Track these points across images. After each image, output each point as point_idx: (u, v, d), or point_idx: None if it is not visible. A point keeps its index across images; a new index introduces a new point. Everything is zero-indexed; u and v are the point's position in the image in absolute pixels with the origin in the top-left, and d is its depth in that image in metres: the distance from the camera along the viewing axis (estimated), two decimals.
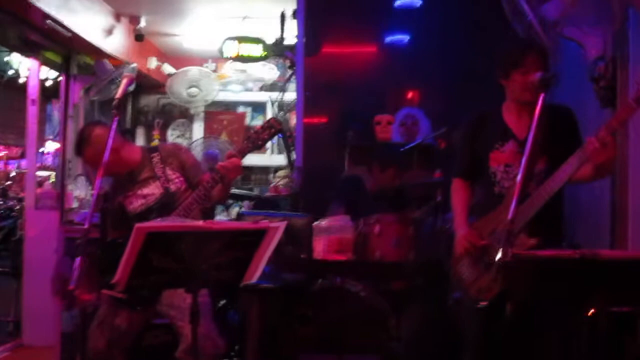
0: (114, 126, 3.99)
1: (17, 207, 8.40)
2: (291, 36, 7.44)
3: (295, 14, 7.22)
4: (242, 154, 4.18)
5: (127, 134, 8.81)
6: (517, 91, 3.84)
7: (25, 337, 7.24)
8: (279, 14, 7.47)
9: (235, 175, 4.23)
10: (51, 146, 10.68)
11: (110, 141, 3.89)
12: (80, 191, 7.75)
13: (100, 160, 3.86)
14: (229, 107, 9.94)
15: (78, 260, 3.46)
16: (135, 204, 4.50)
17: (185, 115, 9.89)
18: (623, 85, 4.69)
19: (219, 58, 8.76)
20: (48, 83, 8.93)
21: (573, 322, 3.54)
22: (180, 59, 9.65)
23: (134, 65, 8.04)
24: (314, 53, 7.08)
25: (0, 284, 7.80)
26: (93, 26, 7.25)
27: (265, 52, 7.91)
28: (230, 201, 7.60)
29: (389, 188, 6.09)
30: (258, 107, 9.92)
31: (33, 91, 7.55)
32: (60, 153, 7.88)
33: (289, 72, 7.89)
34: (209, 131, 9.70)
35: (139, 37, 8.08)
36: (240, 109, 9.99)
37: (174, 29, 8.68)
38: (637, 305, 3.39)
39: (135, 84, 8.11)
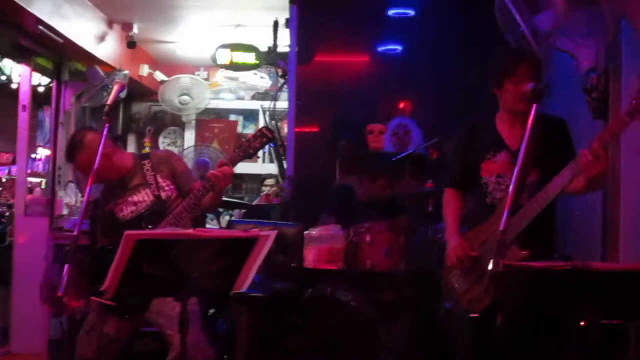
0: (105, 132, 3.97)
1: (7, 213, 8.35)
2: (284, 45, 7.43)
3: (288, 23, 7.21)
4: (234, 162, 4.17)
5: (119, 141, 8.78)
6: (509, 101, 3.84)
7: (13, 344, 7.20)
8: (271, 23, 7.46)
9: (226, 183, 4.21)
10: (43, 152, 10.64)
11: (101, 147, 3.88)
12: (70, 198, 7.72)
13: (92, 166, 3.85)
14: (220, 115, 9.94)
15: (67, 267, 3.44)
16: (126, 211, 4.48)
17: (176, 123, 9.88)
18: (616, 96, 4.69)
19: (211, 66, 8.75)
20: (40, 89, 8.90)
21: (564, 334, 3.53)
22: (172, 67, 9.64)
23: (126, 72, 8.02)
24: (307, 62, 7.08)
25: None
26: (85, 32, 7.23)
27: (258, 61, 7.91)
28: (221, 209, 7.58)
29: (380, 197, 6.07)
30: (250, 116, 9.92)
31: (24, 97, 7.53)
32: (51, 159, 7.86)
33: (281, 80, 7.88)
34: (200, 139, 9.69)
35: (131, 44, 8.07)
36: (232, 117, 9.99)
37: (166, 37, 8.68)
38: (628, 318, 3.39)
39: (126, 91, 8.09)
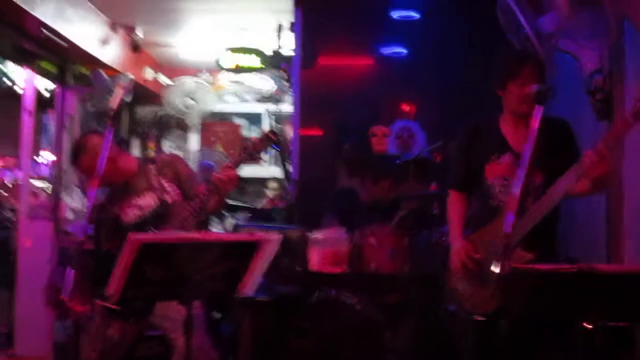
0: (110, 136, 3.97)
1: (12, 217, 8.36)
2: (288, 48, 7.43)
3: (292, 26, 7.21)
4: (238, 165, 4.17)
5: (123, 144, 8.79)
6: (513, 103, 3.83)
7: (17, 347, 7.19)
8: (275, 26, 7.47)
9: (230, 186, 4.20)
10: (47, 156, 10.65)
11: (105, 150, 3.88)
12: (74, 202, 7.72)
13: (96, 170, 3.85)
14: (225, 118, 9.94)
15: (71, 271, 3.44)
16: (131, 215, 4.47)
17: (181, 126, 9.88)
18: (619, 98, 4.68)
19: (215, 69, 8.76)
20: (44, 93, 8.90)
21: (570, 336, 3.52)
22: (176, 70, 9.65)
23: (130, 75, 8.02)
24: (311, 65, 7.08)
25: None
26: (89, 36, 7.24)
27: (263, 64, 7.91)
28: (226, 213, 7.58)
29: (383, 200, 6.07)
30: (254, 119, 9.92)
31: (28, 101, 7.53)
32: (55, 163, 7.86)
33: (285, 83, 7.88)
34: (204, 142, 9.70)
35: (135, 47, 8.07)
36: (236, 121, 9.99)
37: (170, 40, 8.69)
38: (634, 320, 3.37)
39: (131, 95, 8.09)
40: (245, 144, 4.32)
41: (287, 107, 8.13)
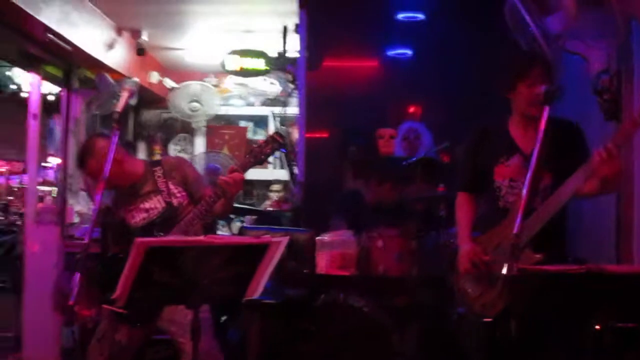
0: (115, 139, 3.97)
1: (19, 222, 8.36)
2: (293, 50, 7.42)
3: (297, 28, 7.20)
4: (245, 168, 4.15)
5: (129, 147, 8.79)
6: (523, 104, 3.82)
7: (25, 352, 7.18)
8: (280, 28, 7.45)
9: (237, 189, 4.19)
10: (53, 161, 10.67)
11: (111, 153, 3.88)
12: (81, 206, 7.72)
13: (103, 173, 3.85)
14: (230, 121, 9.92)
15: (78, 275, 3.43)
16: (137, 218, 4.47)
17: (186, 129, 9.87)
18: (628, 97, 4.67)
19: (221, 72, 8.75)
20: (50, 98, 8.91)
21: (578, 338, 3.50)
22: (181, 73, 9.64)
23: (136, 79, 8.02)
24: (316, 67, 7.07)
25: (0, 298, 7.75)
26: (94, 40, 7.24)
27: (268, 67, 7.90)
28: (232, 216, 7.57)
29: (389, 202, 6.06)
30: (260, 122, 9.90)
31: (34, 106, 7.53)
32: (61, 168, 7.86)
33: (291, 86, 7.87)
34: (210, 146, 9.68)
35: (140, 51, 8.06)
36: (242, 124, 9.97)
37: (175, 43, 8.67)
38: None
39: (136, 98, 8.10)
40: (252, 147, 4.31)
41: (292, 109, 8.09)
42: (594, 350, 3.26)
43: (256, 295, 3.25)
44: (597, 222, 5.19)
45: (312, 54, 7.00)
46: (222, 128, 9.86)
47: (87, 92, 8.02)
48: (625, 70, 4.74)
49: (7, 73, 9.16)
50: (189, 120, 9.59)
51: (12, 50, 6.97)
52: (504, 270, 3.13)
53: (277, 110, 8.70)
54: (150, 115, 9.96)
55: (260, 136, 9.68)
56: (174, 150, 9.82)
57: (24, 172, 9.98)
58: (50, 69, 7.62)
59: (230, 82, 9.55)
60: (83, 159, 4.44)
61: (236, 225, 7.81)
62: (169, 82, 9.38)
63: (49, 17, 6.12)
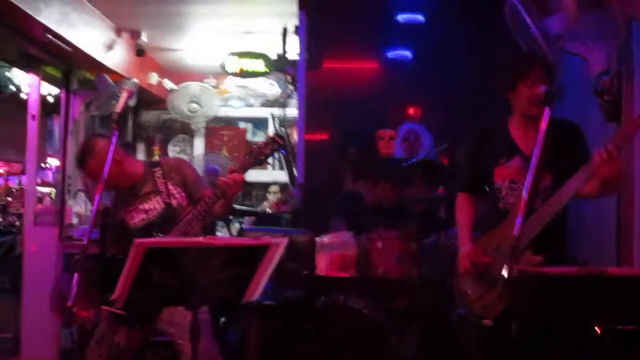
0: (115, 139, 3.96)
1: (17, 223, 8.36)
2: (293, 51, 7.41)
3: (297, 30, 7.19)
4: (244, 169, 4.14)
5: (129, 148, 8.78)
6: (523, 104, 3.81)
7: (24, 353, 7.18)
8: (280, 29, 7.44)
9: (236, 190, 4.18)
10: (53, 162, 10.67)
11: (110, 154, 3.88)
12: (79, 207, 7.71)
13: (102, 173, 3.85)
14: (230, 122, 9.92)
15: (76, 276, 3.42)
16: (137, 219, 4.46)
17: (186, 130, 9.88)
18: (628, 99, 4.66)
19: (220, 73, 8.74)
20: (49, 99, 8.91)
21: (579, 340, 3.49)
22: (181, 75, 9.64)
23: (135, 80, 8.02)
24: (316, 68, 7.06)
25: None
26: (93, 41, 7.23)
27: (268, 68, 7.89)
28: (231, 217, 7.56)
29: (388, 203, 6.05)
30: (259, 123, 9.91)
31: (33, 106, 7.52)
32: (60, 169, 7.85)
33: (290, 87, 7.86)
34: (209, 147, 9.68)
35: (139, 52, 8.06)
36: (241, 125, 9.97)
37: (174, 45, 8.67)
38: None
39: (135, 99, 8.09)
40: (252, 148, 4.30)
41: (292, 111, 8.09)
42: (594, 352, 3.25)
43: (255, 296, 3.24)
44: (597, 223, 5.19)
45: (312, 55, 6.99)
46: (221, 129, 9.87)
47: (87, 93, 8.01)
48: (625, 72, 4.74)
49: (7, 74, 9.15)
50: (188, 121, 9.60)
51: (12, 50, 6.96)
52: (504, 272, 3.13)
53: (277, 111, 8.68)
54: (149, 116, 9.97)
55: (259, 137, 9.69)
56: (173, 151, 9.82)
57: (22, 172, 9.98)
58: (49, 70, 7.61)
59: (229, 83, 9.56)
60: (83, 160, 4.43)
61: (235, 226, 7.79)
62: (168, 84, 9.38)
63: (49, 18, 6.12)
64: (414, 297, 5.24)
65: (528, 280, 2.97)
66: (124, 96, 4.19)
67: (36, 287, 7.00)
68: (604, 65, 4.88)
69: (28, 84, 7.74)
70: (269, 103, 9.55)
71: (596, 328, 2.97)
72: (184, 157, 9.44)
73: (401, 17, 7.08)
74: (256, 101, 9.71)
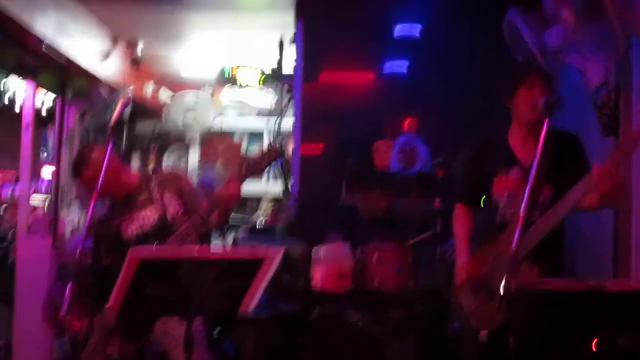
0: (110, 148, 3.95)
1: (11, 232, 8.32)
2: (289, 63, 7.40)
3: (294, 38, 7.19)
4: (241, 180, 4.13)
5: (124, 157, 8.76)
6: (523, 110, 3.79)
7: None
8: (277, 41, 7.44)
9: (233, 202, 4.16)
10: (47, 171, 10.64)
11: (106, 163, 3.86)
12: (73, 216, 7.67)
13: (98, 182, 3.83)
14: (225, 133, 9.90)
15: (69, 286, 3.40)
16: (131, 229, 4.43)
17: (181, 141, 9.85)
18: (626, 113, 4.65)
19: (216, 84, 8.73)
20: (45, 108, 8.88)
21: (577, 355, 3.47)
22: (177, 85, 9.62)
23: (130, 90, 8.00)
24: (312, 79, 7.05)
25: None
26: (89, 50, 7.22)
27: (263, 78, 7.89)
28: (226, 228, 7.53)
29: (386, 215, 6.03)
30: (254, 134, 9.88)
31: (28, 115, 7.49)
32: (54, 178, 7.82)
33: (286, 98, 7.85)
34: (205, 157, 9.66)
35: (135, 61, 8.05)
36: (237, 136, 9.95)
37: (171, 54, 8.66)
38: None
39: (131, 108, 8.07)
40: (248, 159, 4.28)
41: (288, 122, 8.08)
42: None
43: (251, 308, 3.22)
44: (595, 236, 5.17)
45: (309, 66, 6.98)
46: (216, 139, 9.85)
47: (82, 103, 7.99)
48: (623, 86, 4.73)
49: (2, 82, 9.13)
50: (184, 131, 9.57)
51: (8, 60, 6.94)
52: (502, 285, 3.10)
53: (273, 122, 8.65)
54: (144, 126, 9.94)
55: (255, 148, 9.65)
56: (167, 161, 9.79)
57: (16, 180, 9.96)
58: (45, 79, 7.59)
59: (225, 93, 9.54)
60: (78, 169, 4.41)
61: (230, 237, 7.77)
62: (164, 93, 9.37)
63: (45, 27, 6.11)
64: (411, 309, 5.22)
65: (526, 294, 2.95)
66: (119, 105, 4.18)
67: (29, 297, 6.96)
68: (601, 78, 4.87)
69: (23, 93, 7.72)
70: (264, 113, 9.53)
71: (594, 343, 2.95)
72: (179, 167, 9.43)
73: (398, 28, 7.08)
74: (252, 112, 9.69)
